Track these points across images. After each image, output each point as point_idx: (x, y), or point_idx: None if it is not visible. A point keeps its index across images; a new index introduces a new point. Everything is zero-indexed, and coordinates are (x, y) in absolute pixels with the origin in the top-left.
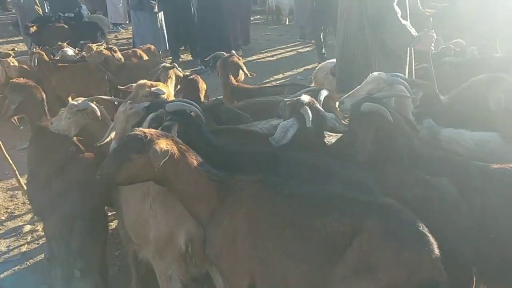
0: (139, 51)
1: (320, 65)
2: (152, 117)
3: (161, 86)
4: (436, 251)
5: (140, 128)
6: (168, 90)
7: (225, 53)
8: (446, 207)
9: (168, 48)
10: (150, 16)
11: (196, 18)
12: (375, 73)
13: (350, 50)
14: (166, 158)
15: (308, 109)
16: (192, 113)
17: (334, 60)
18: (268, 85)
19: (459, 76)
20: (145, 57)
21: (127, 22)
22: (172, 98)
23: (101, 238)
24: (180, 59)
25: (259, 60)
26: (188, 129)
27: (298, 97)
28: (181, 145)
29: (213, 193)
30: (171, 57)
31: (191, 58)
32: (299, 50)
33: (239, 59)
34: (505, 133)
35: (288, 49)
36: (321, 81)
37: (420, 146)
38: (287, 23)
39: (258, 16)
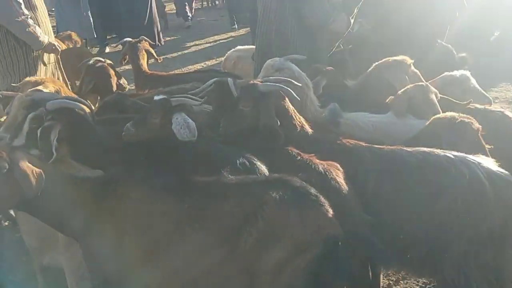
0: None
1: (227, 54)
2: (32, 117)
3: (48, 83)
4: (330, 209)
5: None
6: (57, 87)
7: (131, 39)
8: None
9: (96, 36)
10: (74, 3)
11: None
12: (268, 61)
13: (267, 23)
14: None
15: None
16: (78, 110)
17: (240, 47)
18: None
19: None
20: (63, 46)
21: (53, 9)
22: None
23: None
24: (109, 48)
25: (193, 46)
26: (71, 129)
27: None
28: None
29: (86, 201)
30: (98, 46)
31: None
32: (234, 35)
33: (147, 44)
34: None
35: (222, 34)
36: (231, 71)
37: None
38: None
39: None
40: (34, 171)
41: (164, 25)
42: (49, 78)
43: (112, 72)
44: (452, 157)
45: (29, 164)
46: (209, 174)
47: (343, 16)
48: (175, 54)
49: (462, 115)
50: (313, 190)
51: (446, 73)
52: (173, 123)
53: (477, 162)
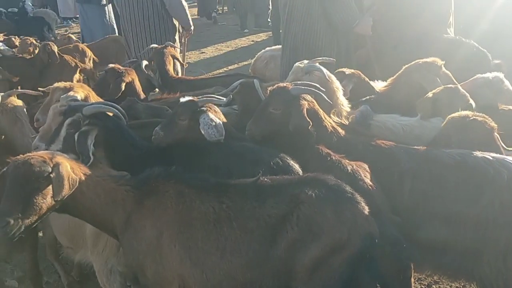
0: (81, 46)
1: (257, 55)
2: (69, 123)
3: (77, 88)
4: (366, 207)
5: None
6: (86, 92)
7: (157, 45)
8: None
9: None
10: (98, 9)
11: None
12: (297, 63)
13: (295, 33)
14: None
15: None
16: (112, 114)
17: (271, 48)
18: (210, 75)
19: None
20: (89, 52)
21: (78, 16)
22: (95, 99)
23: (29, 245)
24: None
25: (213, 51)
26: (108, 133)
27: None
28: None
29: (126, 200)
30: None
31: None
32: (255, 39)
33: (173, 49)
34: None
35: (243, 38)
36: (261, 71)
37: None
38: None
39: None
40: (70, 177)
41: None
42: (77, 83)
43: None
44: (491, 158)
45: (68, 170)
46: (243, 175)
47: (368, 18)
48: (196, 59)
49: (477, 113)
50: (348, 188)
51: (478, 75)
52: (201, 123)
53: None
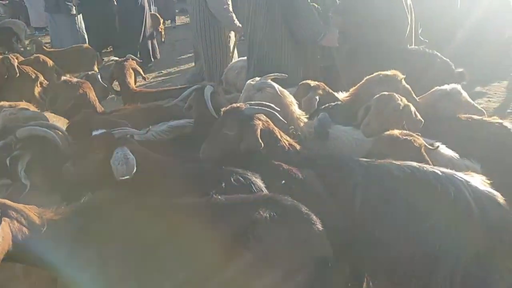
0: (42, 57)
1: (229, 64)
2: (1, 146)
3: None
4: (321, 228)
5: None
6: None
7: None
8: (310, 197)
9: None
10: (68, 18)
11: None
12: (248, 81)
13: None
14: None
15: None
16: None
17: (243, 58)
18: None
19: None
20: (50, 63)
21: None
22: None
23: None
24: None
25: (189, 61)
26: (44, 157)
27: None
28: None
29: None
30: None
31: None
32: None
33: (134, 63)
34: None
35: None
36: (233, 81)
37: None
38: None
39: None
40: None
41: (160, 39)
42: (24, 103)
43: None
44: (440, 173)
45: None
46: (203, 194)
47: (334, 31)
48: (171, 69)
49: (404, 132)
50: (304, 209)
51: (437, 87)
52: (113, 157)
53: (464, 180)
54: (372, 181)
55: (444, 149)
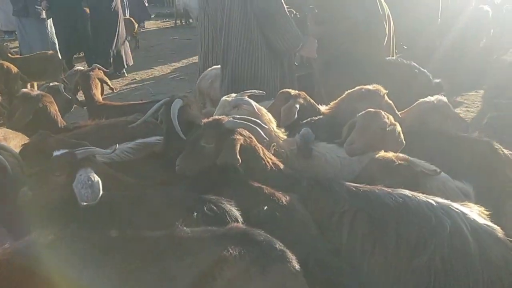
0: (6, 64)
1: (203, 73)
2: None
3: None
4: (297, 266)
5: None
6: None
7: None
8: (294, 225)
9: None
10: (37, 23)
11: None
12: (223, 98)
13: (234, 54)
14: None
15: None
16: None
17: (217, 66)
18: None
19: None
20: (14, 70)
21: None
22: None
23: None
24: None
25: (163, 67)
26: None
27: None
28: None
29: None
30: None
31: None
32: None
33: (100, 73)
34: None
35: (196, 54)
36: (206, 90)
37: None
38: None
39: (167, 20)
40: None
41: (135, 45)
42: None
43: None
44: (435, 204)
45: None
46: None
47: (312, 40)
48: (145, 76)
49: (400, 156)
50: (278, 245)
51: (421, 100)
52: (76, 180)
53: (461, 212)
54: (361, 209)
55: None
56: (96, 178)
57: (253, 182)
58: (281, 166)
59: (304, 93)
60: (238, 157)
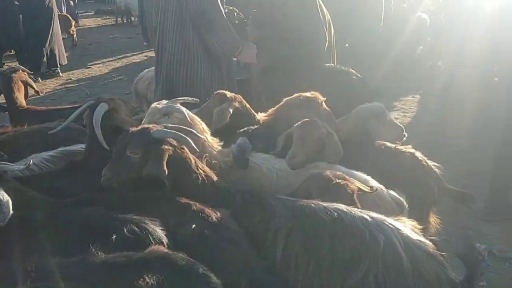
0: None
1: (140, 74)
2: None
3: None
4: None
5: None
6: None
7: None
8: (224, 244)
9: None
10: None
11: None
12: (153, 105)
13: (169, 57)
14: None
15: None
16: None
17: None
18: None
19: None
20: None
21: None
22: None
23: None
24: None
25: (101, 66)
26: None
27: None
28: None
29: None
30: None
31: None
32: (149, 54)
33: (24, 75)
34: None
35: (136, 53)
36: (144, 92)
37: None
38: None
39: (107, 17)
40: None
41: (72, 43)
42: None
43: None
44: (369, 219)
45: None
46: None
47: (251, 45)
48: (81, 76)
49: (337, 174)
50: (201, 269)
51: (359, 107)
52: None
53: (395, 227)
54: (296, 225)
55: (370, 180)
56: (5, 197)
57: (182, 197)
58: (214, 178)
59: (241, 97)
60: (165, 168)
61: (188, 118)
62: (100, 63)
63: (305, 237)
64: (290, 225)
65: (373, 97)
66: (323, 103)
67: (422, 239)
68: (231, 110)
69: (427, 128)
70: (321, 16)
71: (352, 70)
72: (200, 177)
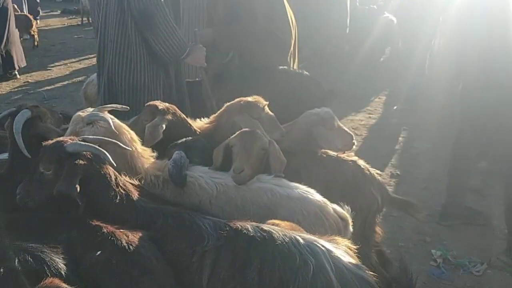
0: None
1: (89, 77)
2: None
3: None
4: None
5: None
6: None
7: None
8: (135, 271)
9: None
10: None
11: None
12: (77, 113)
13: (111, 59)
14: None
15: None
16: None
17: None
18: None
19: None
20: None
21: None
22: None
23: None
24: None
25: (62, 68)
26: None
27: None
28: None
29: None
30: None
31: None
32: None
33: None
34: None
35: None
36: (93, 97)
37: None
38: None
39: (74, 17)
40: None
41: (32, 43)
42: None
43: None
44: (301, 241)
45: None
46: None
47: (200, 47)
48: (40, 78)
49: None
50: None
51: (308, 111)
52: None
53: (326, 249)
54: (225, 246)
55: (314, 194)
56: None
57: (94, 219)
58: (135, 197)
59: (175, 107)
60: (77, 186)
61: (113, 127)
62: (61, 65)
63: (233, 261)
64: (219, 245)
65: (328, 98)
66: (266, 107)
67: (355, 261)
68: (164, 126)
69: (391, 130)
70: (287, 12)
71: (307, 72)
72: (118, 195)
